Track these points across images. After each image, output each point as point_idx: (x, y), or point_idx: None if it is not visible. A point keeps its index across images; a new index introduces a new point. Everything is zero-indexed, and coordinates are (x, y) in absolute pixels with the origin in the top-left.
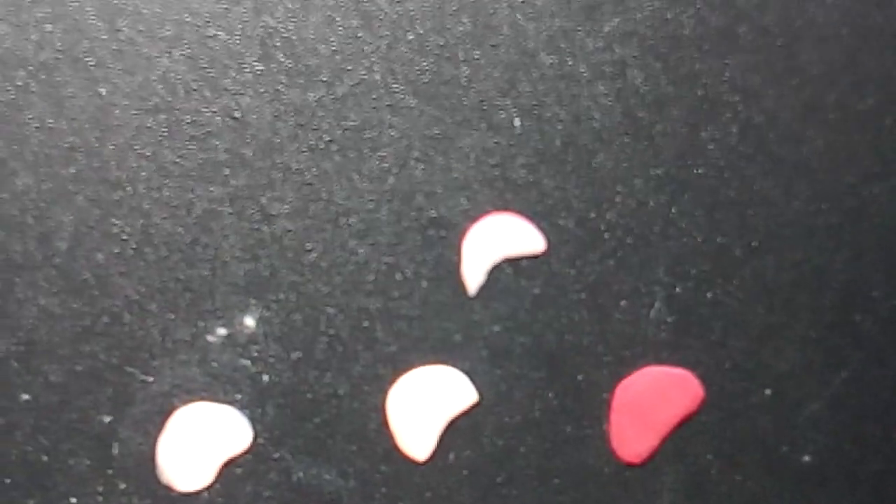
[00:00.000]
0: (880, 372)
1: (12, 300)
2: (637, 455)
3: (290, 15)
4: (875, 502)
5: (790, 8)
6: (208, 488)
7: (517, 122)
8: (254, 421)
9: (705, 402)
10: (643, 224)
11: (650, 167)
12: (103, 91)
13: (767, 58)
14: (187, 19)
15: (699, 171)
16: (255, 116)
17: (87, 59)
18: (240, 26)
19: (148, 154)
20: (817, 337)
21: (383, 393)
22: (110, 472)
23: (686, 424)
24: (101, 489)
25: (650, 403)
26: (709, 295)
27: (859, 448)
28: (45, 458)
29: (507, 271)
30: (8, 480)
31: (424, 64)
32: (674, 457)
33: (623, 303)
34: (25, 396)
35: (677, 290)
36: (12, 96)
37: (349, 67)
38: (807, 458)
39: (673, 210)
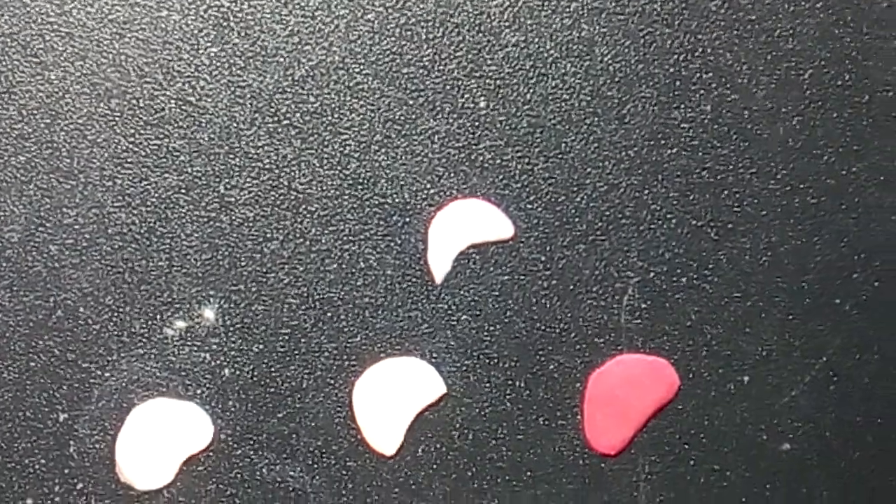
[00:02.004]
0: (861, 357)
1: None
2: (612, 446)
3: None
4: (856, 490)
5: None
6: (169, 487)
7: (482, 103)
8: (215, 417)
9: (681, 391)
10: (614, 208)
11: (621, 148)
12: (53, 77)
13: (741, 34)
14: (139, 1)
15: (671, 152)
16: (210, 101)
17: (35, 43)
18: (193, 7)
19: (100, 141)
20: (796, 322)
21: (349, 386)
22: (67, 471)
23: (662, 414)
24: (58, 489)
25: (624, 393)
26: (683, 280)
27: (840, 436)
28: None
29: (475, 258)
30: None
31: (385, 44)
32: (649, 447)
33: (595, 289)
34: None
35: (651, 275)
36: None
37: (307, 48)
38: (786, 446)
39: (645, 192)
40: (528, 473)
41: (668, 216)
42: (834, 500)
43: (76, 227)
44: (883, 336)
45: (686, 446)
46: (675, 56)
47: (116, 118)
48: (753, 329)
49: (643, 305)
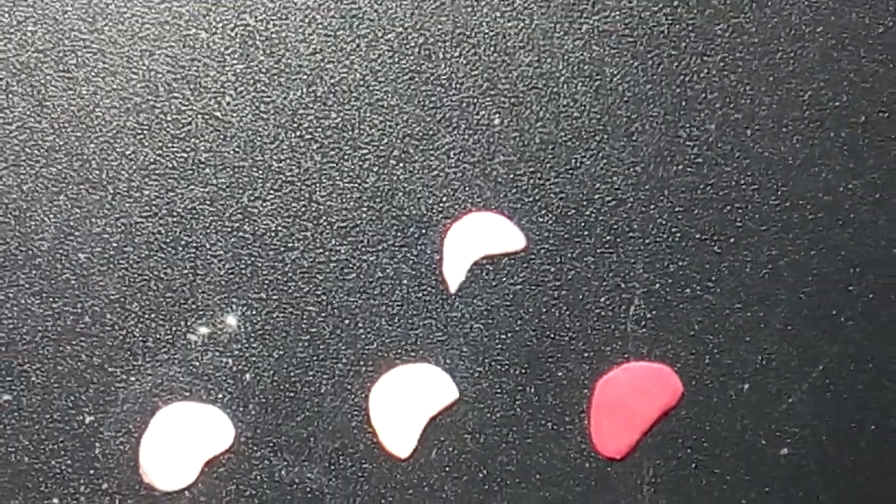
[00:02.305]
0: (857, 366)
1: None
2: (617, 450)
3: (270, 15)
4: (851, 493)
5: (766, 7)
6: (190, 487)
7: (497, 120)
8: (236, 420)
9: (684, 397)
10: (622, 221)
11: (628, 165)
12: (84, 92)
13: (744, 56)
14: (168, 20)
15: (677, 168)
16: (235, 116)
17: (68, 59)
18: (220, 27)
19: (129, 154)
20: (794, 332)
21: (365, 391)
22: (93, 472)
23: (665, 419)
24: (83, 489)
25: (630, 399)
26: (687, 291)
27: (836, 441)
28: (26, 459)
29: (488, 269)
30: None
31: (404, 63)
32: (653, 451)
33: (602, 299)
34: (6, 397)
35: (656, 286)
36: None
37: (329, 67)
38: (784, 451)
39: (651, 207)
40: (537, 476)
41: (673, 230)
42: (830, 503)
43: (104, 236)
44: (877, 346)
45: (689, 450)
46: (681, 77)
47: (144, 132)
48: (753, 338)
49: (648, 315)
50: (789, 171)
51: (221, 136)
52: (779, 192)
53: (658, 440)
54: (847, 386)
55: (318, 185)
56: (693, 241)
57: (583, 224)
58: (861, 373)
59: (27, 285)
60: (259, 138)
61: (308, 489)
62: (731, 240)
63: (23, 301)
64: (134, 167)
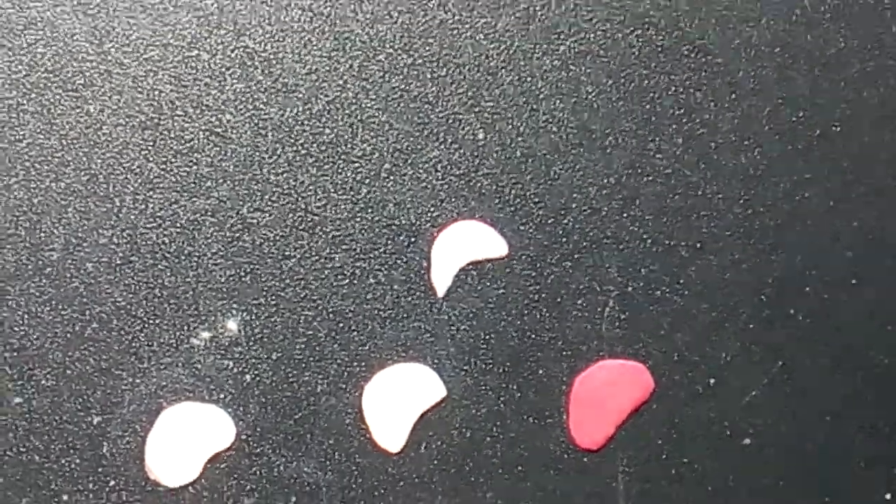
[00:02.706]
0: (813, 361)
1: (5, 308)
2: (594, 442)
3: (268, 37)
4: (810, 479)
5: (728, 30)
6: (194, 483)
7: (481, 135)
8: (237, 419)
9: (656, 392)
10: (597, 229)
11: (603, 176)
12: (92, 110)
13: (708, 75)
14: (172, 41)
15: (647, 179)
16: (235, 132)
17: (76, 79)
18: (221, 48)
19: (134, 169)
20: (756, 330)
21: (359, 390)
22: (100, 470)
23: (638, 413)
24: (91, 487)
25: (605, 394)
26: (658, 293)
27: (795, 430)
28: (37, 458)
29: (473, 274)
30: (1, 480)
31: (394, 82)
32: (627, 443)
33: (579, 302)
34: (18, 400)
35: (629, 289)
36: (5, 116)
37: (324, 86)
38: (747, 440)
39: (624, 216)
40: (520, 468)
41: (644, 236)
42: (790, 489)
43: (111, 247)
44: (831, 342)
45: (660, 441)
46: (651, 94)
47: (149, 147)
48: (719, 336)
49: (622, 316)
50: (750, 182)
51: (222, 151)
52: (741, 201)
53: (631, 432)
54: (805, 379)
55: (313, 196)
56: (663, 246)
57: (561, 231)
58: (817, 367)
59: (37, 294)
60: (258, 153)
61: (305, 483)
62: (698, 245)
63: (33, 309)
64: (139, 181)
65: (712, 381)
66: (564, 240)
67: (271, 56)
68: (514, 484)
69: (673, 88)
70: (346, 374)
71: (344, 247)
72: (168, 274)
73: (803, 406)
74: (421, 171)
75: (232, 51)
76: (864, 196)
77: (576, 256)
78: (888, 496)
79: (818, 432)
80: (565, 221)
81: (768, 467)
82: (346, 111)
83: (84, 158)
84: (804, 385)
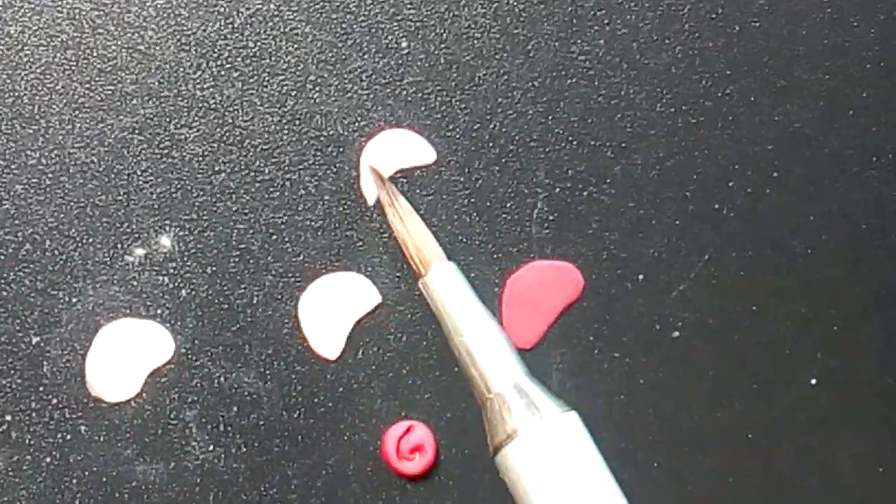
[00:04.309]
0: (738, 254)
1: None
2: (528, 340)
3: None
4: (737, 367)
5: None
6: (136, 398)
7: (404, 43)
8: (175, 333)
9: (586, 290)
10: (523, 132)
11: (527, 80)
12: (12, 31)
13: None
14: None
15: (571, 81)
16: (158, 49)
17: None
18: None
19: (59, 89)
20: (682, 225)
21: (294, 300)
22: (42, 388)
23: (570, 311)
24: (34, 405)
25: (537, 294)
26: (585, 194)
27: (721, 322)
28: None
29: (402, 182)
30: None
31: None
32: (560, 340)
33: (508, 205)
34: None
35: (557, 190)
36: None
37: None
38: (676, 333)
39: (549, 118)
40: (455, 368)
41: (570, 138)
42: (719, 378)
43: (39, 168)
44: (755, 235)
45: (591, 338)
46: None
47: (72, 67)
48: (646, 233)
49: (550, 217)
50: (672, 80)
51: (146, 68)
52: (664, 100)
53: (564, 330)
54: (729, 272)
55: (239, 110)
56: (588, 147)
57: (488, 136)
58: (740, 259)
59: None
60: (182, 69)
61: (246, 393)
62: (623, 145)
63: None
64: (64, 101)
65: (640, 277)
66: (491, 144)
67: None
68: (450, 384)
69: None
70: (280, 284)
71: (273, 159)
72: (99, 193)
73: (729, 298)
74: (346, 81)
75: None
76: (785, 92)
77: (503, 160)
78: (813, 381)
79: (744, 322)
80: (492, 126)
81: (696, 359)
82: (269, 23)
83: (7, 80)
84: (729, 278)
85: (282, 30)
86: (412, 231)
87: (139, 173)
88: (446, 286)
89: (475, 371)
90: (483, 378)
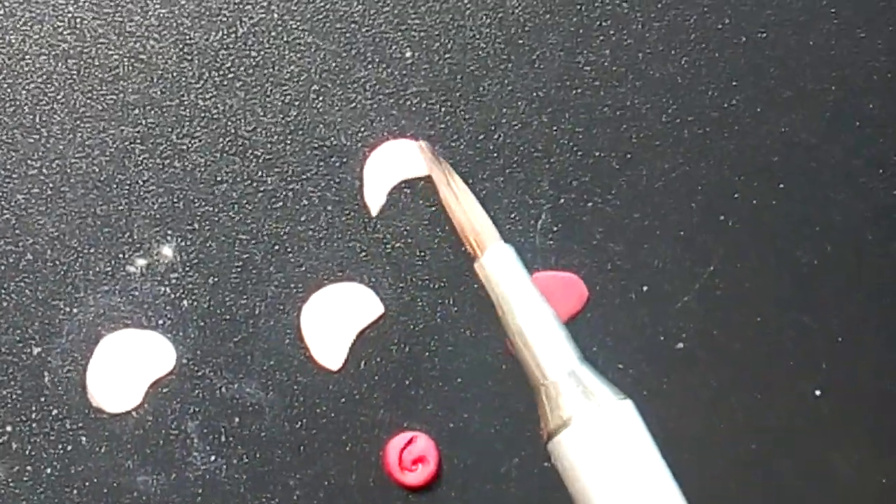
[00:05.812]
0: (742, 264)
1: None
2: None
3: None
4: (741, 378)
5: None
6: (137, 409)
7: (408, 53)
8: (176, 343)
9: (590, 301)
10: (528, 143)
11: (532, 90)
12: (13, 40)
13: None
14: None
15: (576, 91)
16: (161, 58)
17: None
18: None
19: (60, 98)
20: (686, 236)
21: (296, 310)
22: (43, 399)
23: (574, 322)
24: (35, 416)
25: None
26: (589, 205)
27: (725, 333)
28: None
29: (406, 192)
30: None
31: (319, 2)
32: None
33: (513, 215)
34: None
35: (561, 201)
36: None
37: (248, 8)
38: (680, 344)
39: (554, 129)
40: (458, 380)
41: (574, 148)
42: (722, 388)
43: (41, 178)
44: (759, 246)
45: (594, 349)
46: (578, 6)
47: (74, 76)
48: (650, 244)
49: (555, 228)
50: (678, 91)
51: (148, 78)
52: (669, 110)
53: None
54: (733, 283)
55: (242, 120)
56: (593, 157)
57: (492, 147)
58: (746, 270)
59: None
60: (184, 78)
61: (248, 404)
62: (628, 155)
63: None
64: (65, 111)
65: (645, 288)
66: (496, 155)
67: None
68: (452, 395)
69: (599, 1)
70: (283, 295)
71: (276, 169)
72: (100, 202)
73: (733, 309)
74: (350, 91)
75: None
76: (790, 102)
77: (507, 171)
78: (817, 392)
79: (748, 333)
80: (496, 136)
81: (699, 370)
82: (272, 33)
83: (8, 90)
84: (734, 289)
85: (285, 39)
86: (468, 211)
87: (141, 183)
88: (503, 269)
89: (530, 356)
90: (538, 364)
